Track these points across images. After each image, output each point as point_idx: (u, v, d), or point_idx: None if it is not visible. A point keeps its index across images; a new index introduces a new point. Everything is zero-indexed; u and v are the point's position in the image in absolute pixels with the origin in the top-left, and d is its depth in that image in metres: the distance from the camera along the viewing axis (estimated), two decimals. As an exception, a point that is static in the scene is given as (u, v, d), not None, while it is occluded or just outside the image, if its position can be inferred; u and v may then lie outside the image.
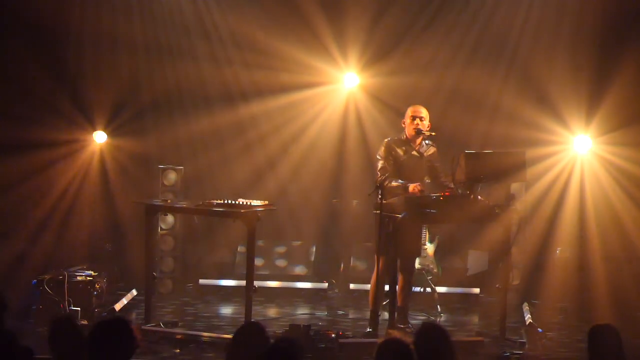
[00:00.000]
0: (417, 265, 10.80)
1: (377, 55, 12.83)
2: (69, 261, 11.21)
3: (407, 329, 9.57)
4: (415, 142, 9.74)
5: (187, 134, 12.88)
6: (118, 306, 10.73)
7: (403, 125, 9.79)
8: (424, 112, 9.73)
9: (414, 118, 9.69)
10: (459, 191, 9.34)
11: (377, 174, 9.51)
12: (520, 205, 10.79)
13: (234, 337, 5.83)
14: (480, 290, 12.01)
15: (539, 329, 9.97)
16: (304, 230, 12.84)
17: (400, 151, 9.65)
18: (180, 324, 10.16)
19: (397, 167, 9.53)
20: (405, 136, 9.75)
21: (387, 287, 9.55)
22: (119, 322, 5.19)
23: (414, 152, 9.69)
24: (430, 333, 5.56)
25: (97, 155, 12.64)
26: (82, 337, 5.88)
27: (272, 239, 12.62)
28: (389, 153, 9.63)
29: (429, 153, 9.81)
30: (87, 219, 12.37)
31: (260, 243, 11.83)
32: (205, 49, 12.82)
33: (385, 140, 9.74)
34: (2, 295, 6.37)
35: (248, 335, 5.75)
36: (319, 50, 12.65)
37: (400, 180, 9.47)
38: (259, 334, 5.72)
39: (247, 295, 9.40)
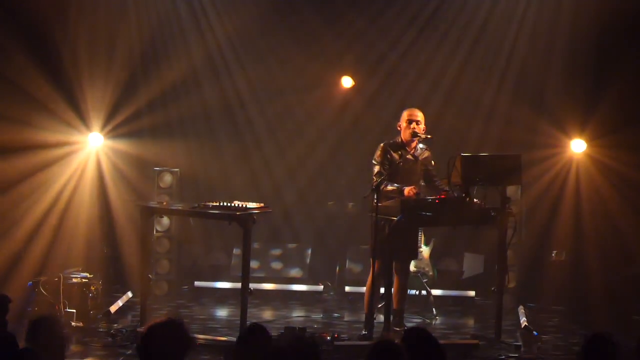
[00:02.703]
0: (412, 268, 10.81)
1: (373, 58, 12.84)
2: (65, 263, 11.19)
3: (402, 332, 9.55)
4: (410, 145, 9.74)
5: (183, 136, 12.88)
6: (114, 308, 10.73)
7: (398, 128, 9.79)
8: (419, 116, 9.73)
9: (410, 121, 9.68)
10: (455, 194, 9.34)
11: (373, 178, 9.50)
12: (516, 208, 10.80)
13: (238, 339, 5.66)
14: (476, 293, 12.02)
15: (535, 332, 9.98)
16: (300, 232, 12.85)
17: (395, 155, 9.65)
18: (175, 326, 10.14)
19: (393, 171, 9.53)
20: (400, 139, 9.74)
21: (382, 290, 9.55)
22: (173, 324, 5.07)
23: (409, 156, 9.68)
24: (417, 337, 5.52)
25: (93, 158, 12.64)
26: (63, 337, 5.81)
27: (268, 242, 12.62)
28: (385, 157, 9.62)
29: (423, 157, 9.81)
30: (82, 221, 12.36)
31: (255, 245, 11.83)
32: (201, 50, 12.83)
33: (381, 144, 9.73)
34: (5, 298, 6.33)
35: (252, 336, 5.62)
36: (315, 52, 12.66)
37: (395, 184, 9.47)
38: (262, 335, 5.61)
39: (243, 298, 9.40)
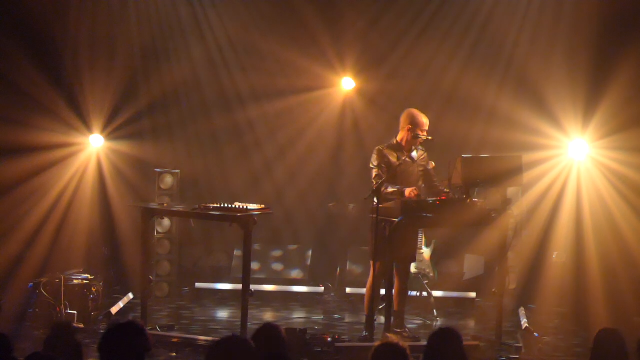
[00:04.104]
0: (413, 269, 10.80)
1: (373, 59, 12.84)
2: (66, 264, 11.20)
3: (403, 333, 9.56)
4: (407, 147, 9.70)
5: (184, 137, 12.89)
6: (114, 309, 10.72)
7: (402, 129, 9.67)
8: (427, 123, 9.65)
9: (421, 129, 9.58)
10: (456, 195, 9.34)
11: (372, 182, 9.47)
12: (517, 210, 10.81)
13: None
14: (477, 294, 12.01)
15: (535, 333, 9.98)
16: (300, 234, 12.85)
17: (392, 157, 9.60)
18: (176, 327, 10.16)
19: (391, 173, 9.50)
20: (395, 141, 9.69)
21: (383, 291, 9.54)
22: (132, 324, 5.13)
23: (406, 158, 9.65)
24: (446, 337, 5.52)
25: (94, 159, 12.64)
26: (78, 343, 5.89)
27: (268, 243, 12.61)
28: (382, 160, 9.58)
29: (420, 157, 9.78)
30: (83, 222, 12.36)
31: (256, 247, 11.84)
32: (201, 52, 12.84)
33: (377, 147, 9.66)
34: None
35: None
36: (316, 54, 12.67)
37: (396, 186, 9.45)
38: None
39: (243, 299, 9.39)
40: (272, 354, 5.28)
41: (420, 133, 9.57)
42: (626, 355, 5.70)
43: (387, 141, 9.73)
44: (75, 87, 12.45)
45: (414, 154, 9.71)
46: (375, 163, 9.59)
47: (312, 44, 12.66)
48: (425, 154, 9.81)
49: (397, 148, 9.67)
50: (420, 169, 9.76)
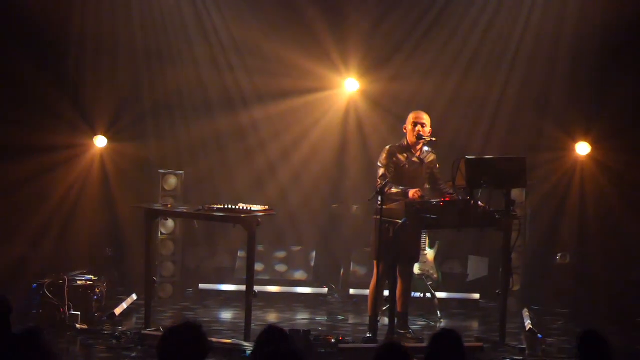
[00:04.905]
0: (417, 271, 10.79)
1: (377, 60, 12.84)
2: (69, 265, 11.21)
3: (407, 334, 9.56)
4: (415, 148, 9.72)
5: (188, 139, 12.90)
6: (118, 310, 10.72)
7: (404, 131, 9.75)
8: (425, 118, 9.70)
9: (415, 124, 9.65)
10: (459, 196, 9.34)
11: (377, 181, 9.49)
12: (520, 211, 10.80)
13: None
14: (480, 295, 12.00)
15: (539, 335, 9.97)
16: (304, 235, 12.85)
17: (401, 157, 9.63)
18: (179, 328, 10.14)
19: (398, 174, 9.51)
20: (406, 142, 9.72)
21: (386, 292, 9.54)
22: (191, 327, 5.06)
23: (415, 159, 9.67)
24: (447, 339, 5.51)
25: (98, 160, 12.66)
26: (48, 352, 5.72)
27: (272, 244, 12.61)
28: (390, 159, 9.60)
29: (429, 160, 9.79)
30: (87, 223, 12.38)
31: (260, 248, 11.83)
32: (205, 53, 12.84)
33: (387, 147, 9.71)
34: (6, 299, 6.36)
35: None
36: (320, 55, 12.67)
37: (400, 187, 9.45)
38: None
39: (247, 300, 9.39)
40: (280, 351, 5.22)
41: (421, 131, 9.59)
42: (609, 358, 5.68)
43: (398, 142, 9.75)
44: (79, 89, 12.47)
45: (423, 155, 9.72)
46: (383, 162, 9.60)
47: (315, 45, 12.66)
48: (434, 156, 9.81)
49: (406, 149, 9.70)
50: (428, 171, 9.78)
